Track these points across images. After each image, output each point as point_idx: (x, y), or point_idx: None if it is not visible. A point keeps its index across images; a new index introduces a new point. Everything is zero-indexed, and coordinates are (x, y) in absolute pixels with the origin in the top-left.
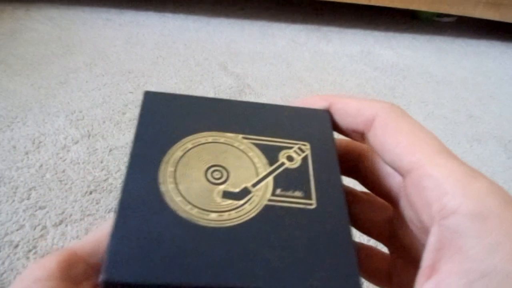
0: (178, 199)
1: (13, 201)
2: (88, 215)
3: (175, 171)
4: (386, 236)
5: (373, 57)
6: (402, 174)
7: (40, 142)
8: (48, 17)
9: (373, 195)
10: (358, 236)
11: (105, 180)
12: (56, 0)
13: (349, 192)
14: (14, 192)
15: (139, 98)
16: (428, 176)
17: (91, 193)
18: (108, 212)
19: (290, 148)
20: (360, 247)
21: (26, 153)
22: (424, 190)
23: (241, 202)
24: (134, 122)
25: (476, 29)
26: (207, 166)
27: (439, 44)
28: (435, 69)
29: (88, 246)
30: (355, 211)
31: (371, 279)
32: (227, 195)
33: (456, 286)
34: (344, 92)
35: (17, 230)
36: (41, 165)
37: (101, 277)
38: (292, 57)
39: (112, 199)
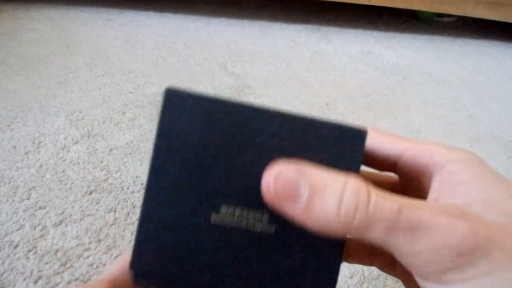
0: None
1: (13, 201)
2: (88, 215)
3: None
4: None
5: (373, 57)
6: (394, 162)
7: (40, 142)
8: (48, 17)
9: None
10: None
11: (105, 180)
12: (56, 0)
13: None
14: (14, 192)
15: (139, 98)
16: (416, 149)
17: (91, 193)
18: (108, 212)
19: None
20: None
21: (26, 153)
22: (417, 158)
23: None
24: (134, 122)
25: (476, 29)
26: None
27: (439, 44)
28: (435, 69)
29: (121, 276)
30: None
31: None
32: None
33: (459, 204)
34: (344, 92)
35: (17, 230)
36: (41, 165)
37: None
38: (292, 57)
39: (112, 199)
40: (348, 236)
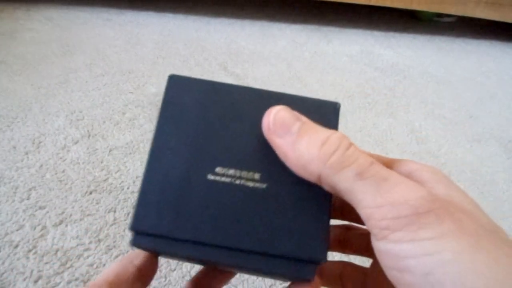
0: None
1: (13, 201)
2: (88, 215)
3: None
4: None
5: (373, 57)
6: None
7: (40, 142)
8: (48, 17)
9: (358, 226)
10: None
11: (105, 180)
12: (56, 0)
13: (343, 226)
14: (14, 192)
15: (139, 98)
16: (392, 163)
17: (91, 193)
18: (108, 212)
19: None
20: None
21: (26, 153)
22: (393, 169)
23: None
24: (134, 122)
25: (476, 29)
26: None
27: (439, 44)
28: (435, 69)
29: (117, 278)
30: (350, 239)
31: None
32: None
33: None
34: (344, 92)
35: (17, 230)
36: (41, 165)
37: None
38: (292, 57)
39: (112, 199)
40: (321, 179)
